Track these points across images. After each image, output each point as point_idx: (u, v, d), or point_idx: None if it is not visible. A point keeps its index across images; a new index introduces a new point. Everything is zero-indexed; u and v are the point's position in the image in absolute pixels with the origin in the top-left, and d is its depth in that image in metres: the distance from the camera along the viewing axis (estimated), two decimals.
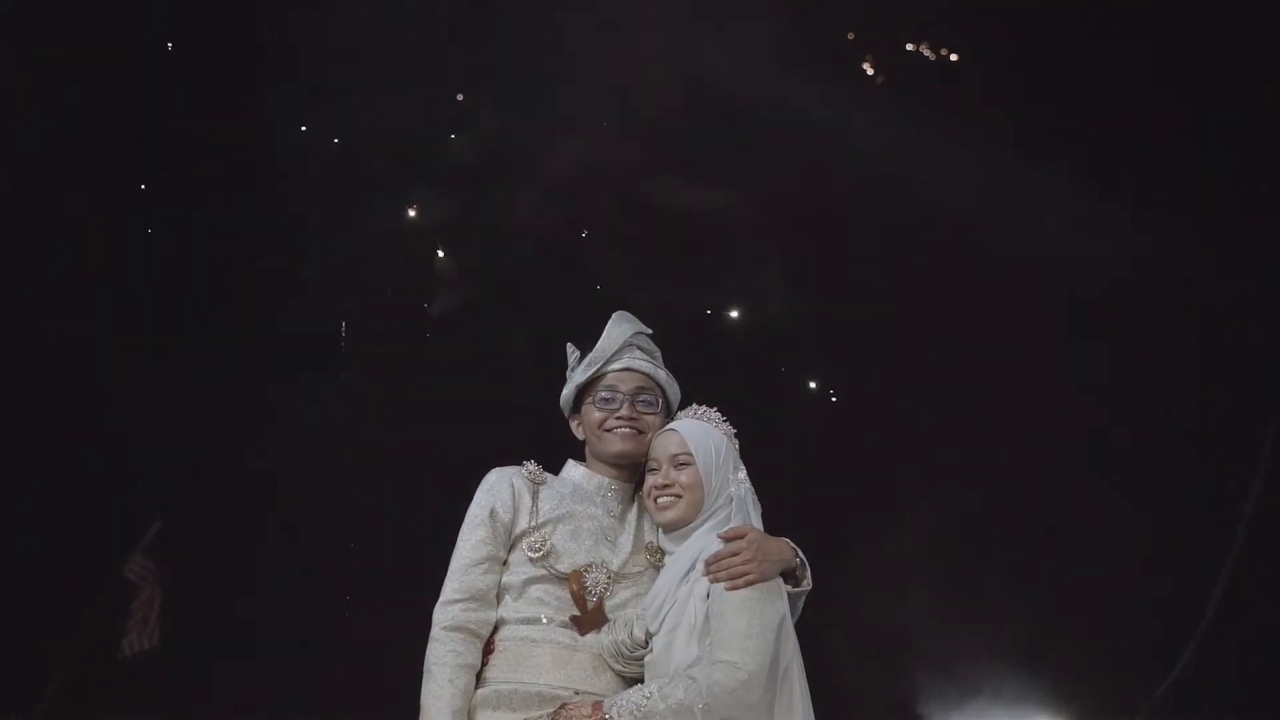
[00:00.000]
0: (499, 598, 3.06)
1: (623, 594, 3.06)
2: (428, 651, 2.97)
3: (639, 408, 3.21)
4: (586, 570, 3.04)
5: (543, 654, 2.97)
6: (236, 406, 7.60)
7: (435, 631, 2.99)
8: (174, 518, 7.90)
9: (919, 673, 7.76)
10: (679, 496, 3.07)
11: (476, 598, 3.01)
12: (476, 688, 2.97)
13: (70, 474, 7.43)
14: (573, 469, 3.29)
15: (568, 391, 3.32)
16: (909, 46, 8.44)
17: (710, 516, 3.07)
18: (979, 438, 7.69)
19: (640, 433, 3.19)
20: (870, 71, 8.48)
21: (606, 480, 3.22)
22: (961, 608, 7.58)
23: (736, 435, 3.22)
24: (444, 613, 3.00)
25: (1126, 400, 7.62)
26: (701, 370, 3.78)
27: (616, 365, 3.24)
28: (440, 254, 8.28)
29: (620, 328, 3.28)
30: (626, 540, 3.14)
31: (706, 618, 2.86)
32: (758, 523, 3.08)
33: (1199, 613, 7.61)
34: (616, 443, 3.19)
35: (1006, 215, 7.60)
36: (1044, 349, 7.70)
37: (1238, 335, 7.42)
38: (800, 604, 3.06)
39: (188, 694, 7.54)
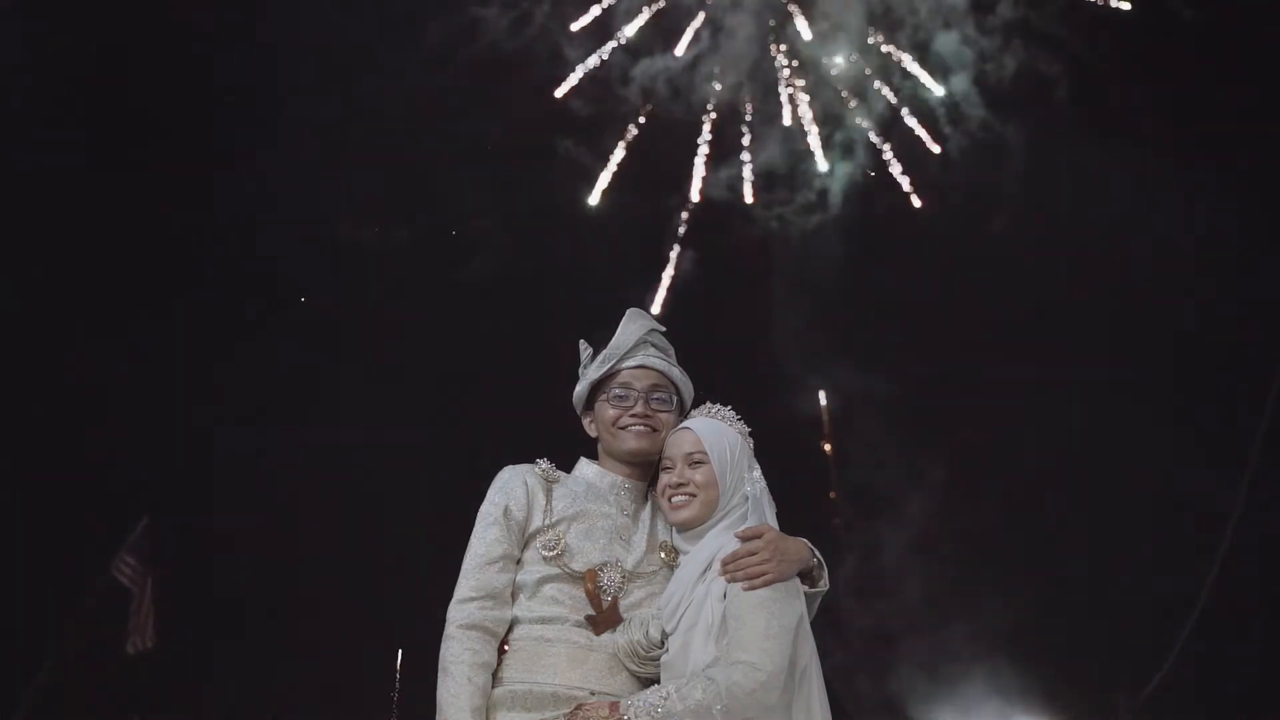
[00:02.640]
0: (513, 596, 3.01)
1: (637, 593, 3.02)
2: (443, 650, 2.91)
3: (653, 405, 3.15)
4: (601, 569, 3.00)
5: (558, 654, 2.93)
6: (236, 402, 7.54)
7: (451, 630, 2.93)
8: (162, 514, 7.81)
9: (906, 670, 7.78)
10: (693, 495, 3.03)
11: (492, 595, 2.97)
12: (492, 687, 2.93)
13: (52, 474, 7.34)
14: (585, 467, 3.23)
15: (581, 388, 3.25)
16: None
17: (725, 516, 3.03)
18: (976, 441, 7.72)
19: (654, 430, 3.13)
20: None
21: (620, 478, 3.16)
22: (950, 607, 7.60)
23: (751, 434, 3.18)
24: (459, 611, 2.95)
25: (1118, 406, 7.66)
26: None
27: (631, 362, 3.18)
28: None
29: (634, 324, 3.22)
30: (640, 539, 3.09)
31: (724, 618, 2.83)
32: (773, 522, 3.04)
33: (1184, 617, 7.66)
34: (630, 440, 3.14)
35: None
36: (1039, 352, 7.73)
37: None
38: (817, 604, 3.03)
39: (172, 694, 7.46)
